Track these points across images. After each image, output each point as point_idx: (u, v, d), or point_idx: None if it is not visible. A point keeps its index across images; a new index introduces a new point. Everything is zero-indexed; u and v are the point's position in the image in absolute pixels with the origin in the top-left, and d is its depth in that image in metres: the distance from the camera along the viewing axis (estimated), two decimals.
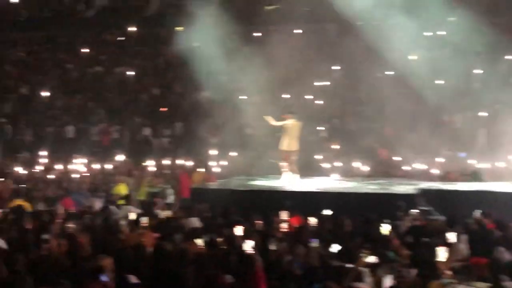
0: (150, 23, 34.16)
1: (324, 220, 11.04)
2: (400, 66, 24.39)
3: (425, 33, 24.88)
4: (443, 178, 17.05)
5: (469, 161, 19.52)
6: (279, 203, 12.45)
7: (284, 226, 10.74)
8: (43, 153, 21.62)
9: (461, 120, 23.74)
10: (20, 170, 18.89)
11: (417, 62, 24.30)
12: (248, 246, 8.41)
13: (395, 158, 20.76)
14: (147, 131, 26.49)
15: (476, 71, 24.65)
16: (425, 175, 17.68)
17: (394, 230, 10.07)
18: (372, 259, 7.67)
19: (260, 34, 28.84)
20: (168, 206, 13.15)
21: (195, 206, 12.42)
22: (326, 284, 6.93)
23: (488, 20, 21.93)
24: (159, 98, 28.88)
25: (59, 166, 19.18)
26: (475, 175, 17.08)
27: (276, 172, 16.73)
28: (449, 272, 7.77)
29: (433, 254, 8.13)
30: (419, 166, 18.90)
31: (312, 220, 10.84)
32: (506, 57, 24.48)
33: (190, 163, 19.69)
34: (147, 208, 13.09)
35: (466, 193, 14.08)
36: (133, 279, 7.21)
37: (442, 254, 8.05)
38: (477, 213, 11.50)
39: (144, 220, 10.62)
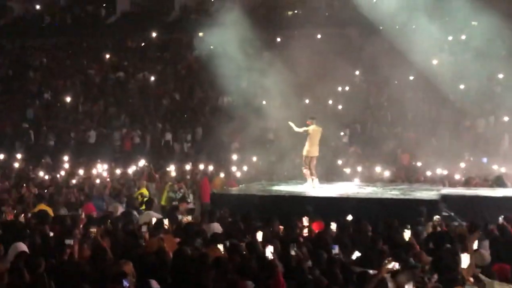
0: (171, 29, 34.40)
1: (345, 226, 11.00)
2: (422, 70, 24.30)
3: (447, 37, 24.75)
4: (465, 183, 16.89)
5: (492, 166, 19.32)
6: (300, 208, 12.43)
7: (305, 232, 10.72)
8: (66, 158, 21.80)
9: (483, 124, 23.54)
10: (43, 175, 19.06)
11: (439, 67, 24.16)
12: (269, 251, 8.40)
13: (416, 163, 20.62)
14: (168, 136, 26.60)
15: (499, 75, 24.44)
16: (447, 181, 17.52)
17: (416, 236, 10.00)
18: (394, 265, 7.62)
19: (281, 39, 28.89)
20: (189, 211, 13.18)
21: (216, 211, 12.44)
22: None
23: (511, 24, 21.74)
24: (180, 103, 29.01)
25: (81, 171, 19.31)
26: (497, 181, 16.89)
27: (297, 177, 16.70)
28: (471, 279, 7.71)
29: (455, 260, 8.06)
30: (441, 171, 18.75)
31: (333, 226, 10.80)
32: None
33: (211, 168, 19.73)
34: (168, 213, 13.13)
35: (489, 198, 13.93)
36: (154, 284, 7.24)
37: (464, 260, 7.98)
38: (500, 219, 11.38)
39: (166, 225, 10.67)
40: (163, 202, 16.10)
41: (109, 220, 11.46)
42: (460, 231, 10.51)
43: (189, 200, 15.78)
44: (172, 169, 19.10)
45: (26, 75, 33.15)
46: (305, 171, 15.46)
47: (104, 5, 38.39)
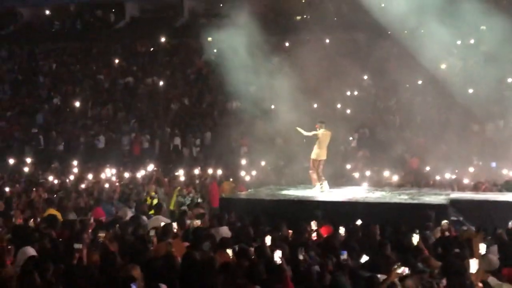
0: (180, 34, 34.51)
1: (353, 230, 10.99)
2: (430, 74, 24.28)
3: (456, 42, 24.71)
4: (474, 188, 16.84)
5: (501, 171, 19.26)
6: (309, 212, 12.42)
7: (313, 236, 10.72)
8: (75, 162, 21.88)
9: (492, 129, 23.48)
10: (52, 179, 19.14)
11: (448, 71, 24.14)
12: (277, 256, 8.40)
13: (425, 168, 20.58)
14: (177, 141, 26.67)
15: (508, 79, 24.38)
16: (456, 185, 17.48)
17: (424, 241, 9.98)
18: (403, 270, 7.60)
19: (290, 43, 28.93)
20: (198, 216, 13.20)
21: (225, 215, 12.45)
22: None
23: None
24: (189, 107, 29.07)
25: (90, 176, 19.38)
26: (507, 185, 16.83)
27: (306, 181, 16.69)
28: (480, 284, 7.68)
29: (463, 265, 8.04)
30: (450, 175, 18.70)
31: (342, 230, 10.79)
32: None
33: (219, 172, 19.76)
34: (177, 217, 13.16)
35: (498, 203, 13.89)
36: None
37: (472, 265, 7.96)
38: (510, 223, 11.34)
39: (175, 229, 10.69)
40: (172, 207, 16.13)
41: (118, 225, 11.49)
42: (469, 236, 10.48)
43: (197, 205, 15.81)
44: (181, 173, 19.14)
45: (35, 80, 33.35)
46: (313, 175, 15.46)
47: (113, 10, 38.57)
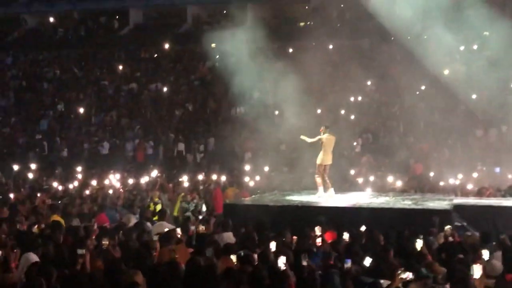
0: (184, 40, 34.60)
1: (357, 236, 10.99)
2: (433, 80, 24.28)
3: (459, 47, 24.72)
4: (478, 193, 16.81)
5: (505, 176, 19.22)
6: (313, 218, 12.42)
7: (317, 242, 10.72)
8: (79, 169, 21.92)
9: (496, 134, 23.46)
10: (56, 185, 19.18)
11: (451, 76, 24.14)
12: (281, 262, 8.41)
13: (429, 173, 20.56)
14: (181, 147, 26.70)
15: (511, 84, 24.35)
16: (460, 191, 17.46)
17: (428, 246, 9.98)
18: (407, 275, 7.61)
19: (293, 49, 28.96)
20: (202, 222, 13.21)
21: (229, 221, 12.47)
22: None
23: None
24: (193, 113, 29.12)
25: (94, 182, 19.41)
26: (510, 190, 16.81)
27: (310, 187, 16.70)
28: None
29: (467, 270, 8.03)
30: (454, 181, 18.67)
31: (346, 236, 10.80)
32: None
33: (223, 178, 19.78)
34: (181, 223, 13.18)
35: (502, 208, 13.86)
36: None
37: (476, 270, 7.95)
38: None
39: (178, 235, 10.71)
40: (175, 213, 16.15)
41: (122, 231, 11.51)
42: (472, 241, 10.48)
43: (201, 211, 15.83)
44: (184, 179, 19.16)
45: (39, 86, 33.45)
46: (318, 180, 15.47)
47: (117, 17, 38.69)
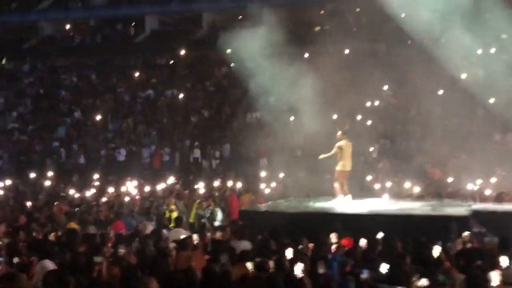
0: (199, 46, 34.67)
1: (374, 243, 10.89)
2: (451, 84, 24.09)
3: (477, 51, 24.51)
4: (497, 199, 16.62)
5: None
6: (329, 225, 12.35)
7: (333, 249, 10.64)
8: (96, 176, 22.00)
9: None
10: (73, 193, 19.26)
11: (469, 80, 23.93)
12: (298, 269, 8.35)
13: (446, 179, 20.39)
14: (197, 153, 26.73)
15: None
16: (478, 196, 17.27)
17: (446, 253, 9.87)
18: (423, 282, 7.52)
19: (309, 54, 28.90)
20: (217, 228, 13.19)
21: (244, 228, 12.43)
22: None
23: None
24: (208, 120, 29.16)
25: (111, 189, 19.47)
26: None
27: (326, 193, 16.62)
28: None
29: (485, 277, 7.92)
30: (472, 186, 18.49)
31: (363, 242, 10.71)
32: None
33: (239, 185, 19.75)
34: (197, 230, 13.16)
35: None
36: None
37: (494, 277, 7.84)
38: None
39: (195, 242, 10.70)
40: (191, 220, 16.14)
41: (138, 238, 11.52)
42: (490, 248, 10.35)
43: (217, 217, 15.80)
44: (200, 186, 19.16)
45: (56, 94, 33.67)
46: (338, 186, 15.41)
47: (133, 24, 38.89)
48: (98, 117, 29.55)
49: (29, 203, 16.80)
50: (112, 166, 26.28)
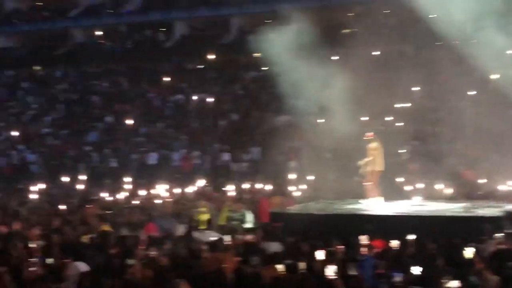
0: (228, 50, 34.82)
1: (406, 245, 10.83)
2: (483, 85, 23.83)
3: (508, 51, 24.19)
4: None
5: None
6: (360, 227, 12.31)
7: (364, 251, 10.60)
8: (127, 179, 22.19)
9: None
10: (105, 196, 19.47)
11: (500, 81, 23.63)
12: (330, 271, 8.34)
13: (479, 180, 20.15)
14: (226, 156, 26.82)
15: None
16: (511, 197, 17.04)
17: (478, 254, 9.77)
18: (454, 284, 7.46)
19: (338, 57, 28.81)
20: (248, 231, 13.23)
21: (275, 230, 12.45)
22: None
23: None
24: (237, 123, 29.24)
25: (142, 192, 19.63)
26: None
27: (356, 195, 16.56)
28: None
29: None
30: (505, 187, 18.25)
31: (394, 244, 10.66)
32: None
33: (269, 188, 19.75)
34: (227, 232, 13.21)
35: None
36: None
37: None
38: None
39: (226, 244, 10.75)
40: (221, 222, 16.18)
41: (170, 240, 11.61)
42: None
43: (247, 220, 15.82)
44: (230, 189, 19.21)
45: (88, 99, 34.10)
46: (371, 187, 15.37)
47: (163, 29, 39.21)
48: (129, 122, 29.82)
49: (62, 207, 17.02)
50: (143, 170, 26.49)
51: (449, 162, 21.96)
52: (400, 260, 9.50)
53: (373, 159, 15.29)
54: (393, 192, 18.43)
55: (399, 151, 23.62)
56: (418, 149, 24.52)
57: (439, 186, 18.90)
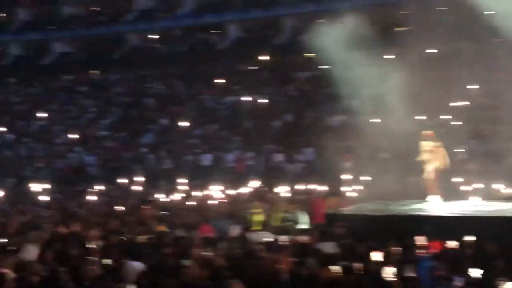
0: (282, 51, 34.81)
1: (465, 246, 10.60)
2: None
3: None
4: None
5: None
6: (418, 228, 12.11)
7: (421, 252, 10.42)
8: (182, 180, 22.41)
9: None
10: (161, 197, 19.70)
11: None
12: (388, 272, 8.24)
13: None
14: (280, 157, 26.78)
15: None
16: None
17: None
18: (510, 286, 7.27)
19: (394, 55, 28.44)
20: (303, 232, 13.17)
21: (330, 231, 12.36)
22: None
23: None
24: (291, 124, 29.18)
25: (197, 193, 19.79)
26: None
27: (413, 196, 16.31)
28: None
29: None
30: None
31: (452, 245, 10.45)
32: None
33: (323, 188, 19.63)
34: (282, 233, 13.18)
35: None
36: None
37: None
38: None
39: (282, 244, 10.74)
40: (276, 223, 16.15)
41: (225, 241, 11.66)
42: None
43: (302, 221, 15.76)
44: (284, 190, 19.17)
45: (143, 102, 34.62)
46: (433, 185, 15.21)
47: (216, 31, 39.49)
48: (184, 124, 30.11)
49: (119, 208, 17.29)
50: (198, 171, 26.70)
51: (508, 161, 21.38)
52: (458, 262, 9.29)
53: (435, 156, 15.08)
54: (451, 192, 18.08)
55: (457, 150, 23.15)
56: (476, 148, 23.98)
57: (498, 186, 18.44)
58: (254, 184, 20.88)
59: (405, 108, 20.83)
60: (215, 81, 34.11)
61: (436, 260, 9.78)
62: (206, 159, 27.92)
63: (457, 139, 22.79)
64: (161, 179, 25.38)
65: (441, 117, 24.05)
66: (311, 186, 19.96)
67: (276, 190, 20.11)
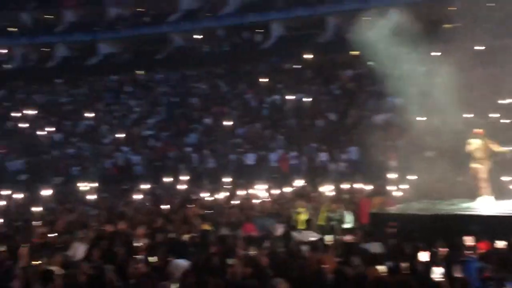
0: (325, 50, 34.63)
1: None
2: None
3: None
4: None
5: None
6: (465, 228, 11.88)
7: (469, 252, 10.21)
8: (226, 179, 22.48)
9: None
10: (205, 196, 19.79)
11: None
12: (436, 273, 8.10)
13: None
14: (324, 156, 26.63)
15: None
16: None
17: None
18: None
19: (440, 53, 28.00)
20: (347, 231, 13.06)
21: (375, 231, 12.23)
22: None
23: None
24: (335, 123, 29.00)
25: (241, 192, 19.81)
26: None
27: (460, 195, 16.03)
28: None
29: None
30: None
31: (500, 245, 10.21)
32: None
33: (368, 188, 19.42)
34: (327, 232, 13.10)
35: None
36: None
37: None
38: None
39: (327, 244, 10.67)
40: (321, 222, 16.06)
41: (269, 240, 11.63)
42: None
43: (346, 220, 15.63)
44: (328, 189, 19.04)
45: (188, 102, 34.87)
46: (481, 185, 14.94)
47: (260, 31, 39.53)
48: (228, 123, 30.21)
49: (165, 206, 17.43)
50: (241, 170, 26.74)
51: None
52: (507, 263, 9.06)
53: (486, 156, 14.80)
54: (499, 192, 17.70)
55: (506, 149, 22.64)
56: None
57: None
58: (298, 183, 20.78)
59: (452, 106, 20.46)
60: (259, 80, 34.12)
61: (484, 261, 9.57)
62: (250, 158, 27.93)
63: (506, 138, 22.30)
64: (205, 178, 25.51)
65: (489, 115, 23.56)
66: (355, 185, 19.78)
67: (320, 189, 20.00)
